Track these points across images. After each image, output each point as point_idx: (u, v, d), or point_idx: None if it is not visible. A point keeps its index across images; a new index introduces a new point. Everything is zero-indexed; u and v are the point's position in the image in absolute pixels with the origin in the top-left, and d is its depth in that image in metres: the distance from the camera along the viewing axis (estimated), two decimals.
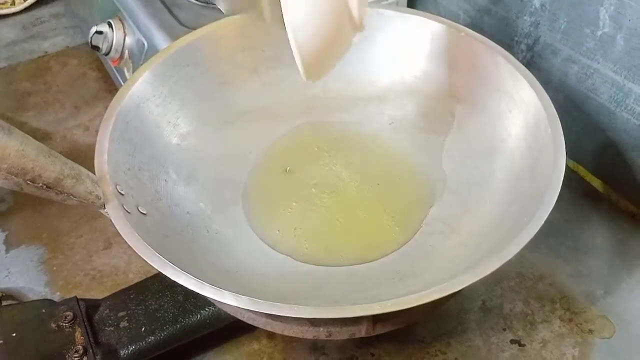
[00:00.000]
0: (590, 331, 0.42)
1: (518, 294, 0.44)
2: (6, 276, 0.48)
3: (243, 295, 0.30)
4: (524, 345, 0.41)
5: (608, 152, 0.49)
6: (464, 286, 0.29)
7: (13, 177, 0.30)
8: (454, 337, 0.42)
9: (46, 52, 0.71)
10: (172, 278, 0.30)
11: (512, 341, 0.41)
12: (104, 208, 0.34)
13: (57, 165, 0.31)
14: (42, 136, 0.60)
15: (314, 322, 0.33)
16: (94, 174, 0.35)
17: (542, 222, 0.31)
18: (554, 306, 0.43)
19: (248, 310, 0.32)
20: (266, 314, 0.33)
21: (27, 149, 0.30)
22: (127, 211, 0.34)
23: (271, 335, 0.42)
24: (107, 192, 0.34)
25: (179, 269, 0.30)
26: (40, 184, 0.31)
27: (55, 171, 0.31)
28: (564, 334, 0.41)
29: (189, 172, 0.42)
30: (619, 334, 0.41)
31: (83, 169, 0.33)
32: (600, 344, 0.41)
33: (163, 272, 0.31)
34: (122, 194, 0.35)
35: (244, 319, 0.36)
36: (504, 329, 0.42)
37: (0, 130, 0.29)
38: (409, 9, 0.52)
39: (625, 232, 0.48)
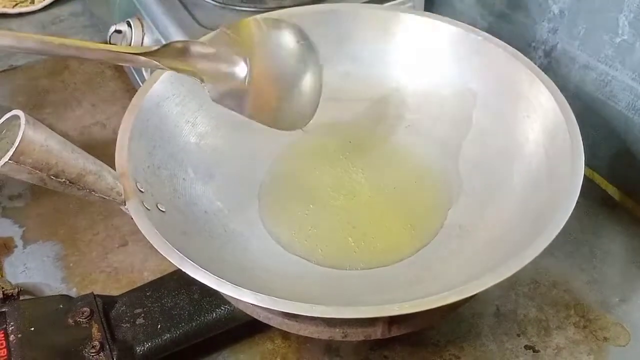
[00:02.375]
0: (605, 339, 0.41)
1: (532, 299, 0.44)
2: (23, 271, 0.48)
3: (262, 293, 0.30)
4: (538, 351, 0.41)
5: (625, 159, 0.49)
6: (482, 289, 0.29)
7: (37, 171, 0.30)
8: (467, 341, 0.42)
9: None
10: (191, 275, 0.31)
11: (527, 347, 0.41)
12: (125, 204, 0.34)
13: (80, 161, 0.32)
14: (59, 134, 0.60)
15: (330, 323, 0.33)
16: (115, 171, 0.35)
17: (561, 227, 0.31)
18: (568, 313, 0.43)
19: (266, 308, 0.33)
20: (283, 313, 0.34)
21: (51, 143, 0.30)
22: (147, 208, 0.35)
23: (285, 336, 0.42)
24: (127, 188, 0.34)
25: (198, 266, 0.31)
26: (64, 179, 0.31)
27: (78, 167, 0.32)
28: (578, 341, 0.41)
29: (206, 171, 0.43)
30: (634, 342, 0.41)
31: (105, 165, 0.34)
32: (615, 351, 0.41)
33: (182, 269, 0.31)
34: (142, 191, 0.36)
35: (260, 318, 0.36)
36: (518, 335, 0.42)
37: (27, 125, 0.29)
38: (426, 12, 0.52)
39: None
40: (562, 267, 0.46)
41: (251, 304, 0.30)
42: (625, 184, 0.50)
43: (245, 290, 0.30)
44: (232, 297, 0.31)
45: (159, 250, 0.32)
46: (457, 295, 0.29)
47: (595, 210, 0.50)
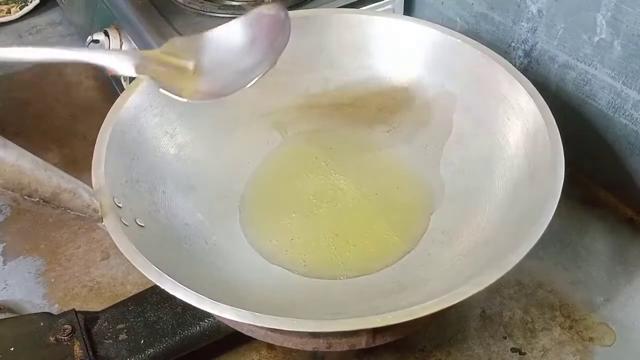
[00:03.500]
0: (591, 339, 0.41)
1: (518, 301, 0.44)
2: (4, 288, 0.47)
3: (243, 309, 0.29)
4: (524, 353, 0.41)
5: (606, 158, 0.49)
6: (464, 298, 0.29)
7: (9, 192, 0.29)
8: (454, 345, 0.41)
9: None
10: (171, 292, 0.30)
11: (513, 350, 0.41)
12: (102, 221, 0.34)
13: (53, 180, 0.31)
14: (39, 145, 0.59)
15: (314, 334, 0.33)
16: (91, 187, 0.35)
17: (542, 232, 0.31)
18: (554, 314, 0.43)
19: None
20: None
21: (23, 163, 0.30)
22: (124, 224, 0.34)
23: (271, 346, 0.42)
24: (104, 205, 0.34)
25: (177, 283, 0.30)
26: (37, 199, 0.31)
27: (51, 185, 0.31)
28: (564, 342, 0.41)
29: (186, 183, 0.42)
30: (619, 341, 0.41)
31: (80, 182, 0.33)
32: (601, 351, 0.41)
33: (161, 287, 0.30)
34: (120, 207, 0.35)
35: (244, 331, 0.36)
36: (504, 337, 0.42)
37: None
38: (405, 16, 0.52)
39: (624, 237, 0.48)
40: (546, 267, 0.46)
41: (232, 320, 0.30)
42: (608, 182, 0.51)
43: (226, 306, 0.29)
44: (214, 313, 0.30)
45: (137, 267, 0.31)
46: (440, 305, 0.29)
47: (578, 209, 0.50)
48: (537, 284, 0.45)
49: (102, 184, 0.35)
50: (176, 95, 0.36)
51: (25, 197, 0.30)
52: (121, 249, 0.32)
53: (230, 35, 0.38)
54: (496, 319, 0.43)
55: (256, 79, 0.37)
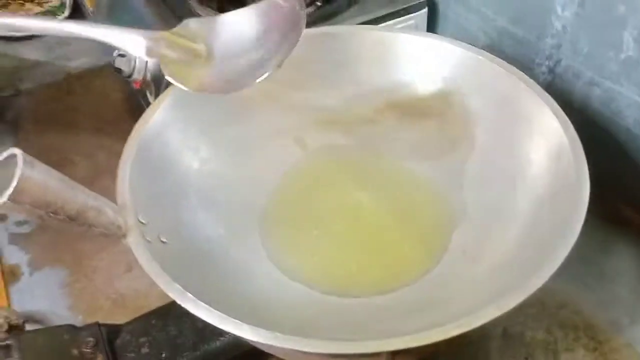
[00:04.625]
0: None
1: (540, 321, 0.43)
2: (30, 299, 0.48)
3: (262, 327, 0.30)
4: None
5: (632, 176, 0.49)
6: (486, 321, 0.29)
7: (36, 210, 0.30)
8: None
9: (70, 73, 0.73)
10: (192, 311, 0.30)
11: None
12: (125, 238, 0.34)
13: (79, 197, 0.32)
14: (65, 157, 0.60)
15: (334, 355, 0.33)
16: (116, 203, 0.35)
17: (565, 254, 0.31)
18: (577, 334, 0.42)
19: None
20: None
21: (50, 181, 0.30)
22: (147, 240, 0.34)
23: None
24: (128, 222, 0.34)
25: (199, 302, 0.31)
26: (63, 216, 0.31)
27: (77, 203, 0.32)
28: None
29: (209, 198, 0.43)
30: None
31: (105, 200, 0.34)
32: None
33: (184, 305, 0.31)
34: (143, 223, 0.36)
35: (263, 349, 0.36)
36: (526, 358, 0.41)
37: (24, 164, 0.29)
38: (428, 33, 0.52)
39: None
40: (570, 287, 0.45)
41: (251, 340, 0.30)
42: (634, 201, 0.50)
43: (246, 325, 0.29)
44: (234, 333, 0.30)
45: (159, 285, 0.31)
46: (461, 328, 0.29)
47: (603, 228, 0.49)
48: (560, 304, 0.44)
49: (127, 200, 0.36)
50: (183, 84, 0.37)
51: (51, 214, 0.31)
52: (144, 267, 0.32)
53: (243, 22, 0.38)
54: (518, 339, 0.42)
55: (265, 74, 0.37)
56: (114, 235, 0.34)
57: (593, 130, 0.50)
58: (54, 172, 0.31)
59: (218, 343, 0.40)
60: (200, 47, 0.38)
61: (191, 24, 0.39)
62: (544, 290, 0.44)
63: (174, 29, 0.39)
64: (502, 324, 0.43)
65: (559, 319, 0.43)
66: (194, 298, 0.31)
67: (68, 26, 0.36)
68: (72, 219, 0.32)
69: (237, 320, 0.30)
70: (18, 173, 0.29)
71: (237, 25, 0.39)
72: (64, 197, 0.31)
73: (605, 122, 0.49)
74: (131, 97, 0.66)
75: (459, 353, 0.42)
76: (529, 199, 0.38)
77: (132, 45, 0.36)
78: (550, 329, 0.43)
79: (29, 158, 0.30)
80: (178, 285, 0.31)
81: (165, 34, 0.38)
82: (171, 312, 0.41)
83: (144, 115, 0.41)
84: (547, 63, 0.52)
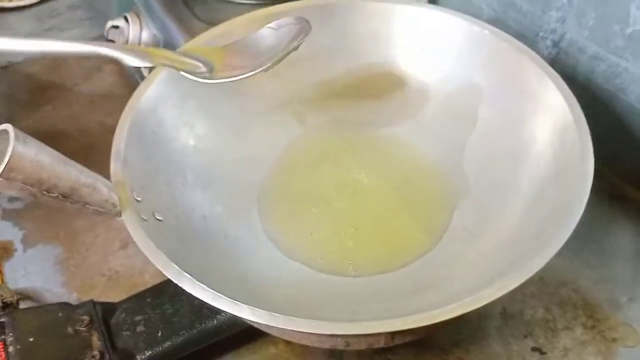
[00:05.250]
0: (614, 339, 0.41)
1: (540, 299, 0.43)
2: (24, 276, 0.47)
3: (260, 308, 0.29)
4: (545, 353, 0.40)
5: (634, 153, 0.48)
6: (487, 302, 0.28)
7: (28, 187, 0.29)
8: (473, 344, 0.41)
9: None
10: (189, 290, 0.30)
11: (533, 349, 0.40)
12: (120, 216, 0.33)
13: (73, 174, 0.31)
14: (58, 131, 0.59)
15: (333, 334, 0.33)
16: (110, 180, 0.35)
17: (568, 235, 0.30)
18: (576, 313, 0.42)
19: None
20: None
21: (42, 158, 0.30)
22: (143, 219, 0.34)
23: (288, 340, 0.42)
24: (123, 199, 0.34)
25: (195, 281, 0.30)
26: (56, 194, 0.30)
27: (70, 180, 0.31)
28: (586, 342, 0.40)
29: (205, 175, 0.42)
30: None
31: (99, 177, 0.33)
32: (623, 352, 0.40)
33: (180, 285, 0.30)
34: (139, 201, 0.35)
35: (260, 328, 0.35)
36: (525, 336, 0.41)
37: (16, 140, 0.28)
38: (430, 4, 0.50)
39: None
40: (570, 264, 0.45)
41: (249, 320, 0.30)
42: (635, 178, 0.49)
43: (243, 305, 0.29)
44: (232, 312, 0.30)
45: (155, 264, 0.31)
46: (463, 309, 0.29)
47: (604, 205, 0.48)
48: (560, 282, 0.44)
49: (121, 177, 0.35)
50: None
51: (44, 192, 0.30)
52: (139, 245, 0.32)
53: (254, 41, 0.39)
54: (517, 317, 0.42)
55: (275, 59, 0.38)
56: (108, 213, 0.33)
57: (596, 105, 0.49)
58: (47, 149, 0.30)
59: (215, 322, 0.39)
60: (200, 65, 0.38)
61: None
62: (543, 267, 0.44)
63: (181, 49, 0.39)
64: (501, 302, 0.43)
65: (558, 297, 0.43)
66: (191, 278, 0.30)
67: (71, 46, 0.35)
68: (65, 196, 0.31)
69: (235, 301, 0.29)
70: (10, 149, 0.28)
71: (246, 44, 0.40)
72: (57, 174, 0.30)
73: (609, 97, 0.48)
74: (125, 70, 0.65)
75: (457, 332, 0.41)
76: (532, 177, 0.38)
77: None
78: (549, 307, 0.42)
79: (21, 134, 0.29)
80: (175, 265, 0.31)
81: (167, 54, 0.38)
82: (167, 290, 0.41)
83: (138, 90, 0.40)
84: (551, 37, 0.51)
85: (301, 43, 0.39)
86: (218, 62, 0.38)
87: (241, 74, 0.38)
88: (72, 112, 0.62)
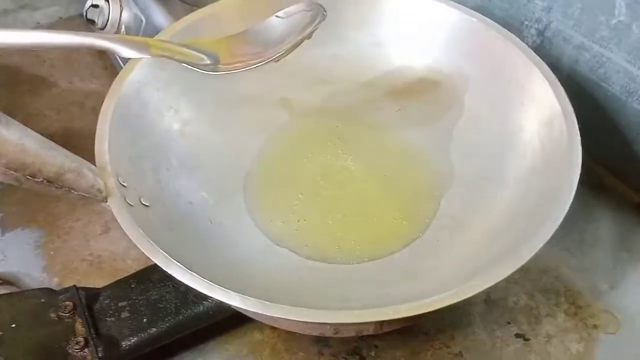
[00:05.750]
0: (595, 326, 0.41)
1: (523, 287, 0.43)
2: (2, 260, 0.47)
3: (249, 296, 0.29)
4: (528, 339, 0.41)
5: (616, 143, 0.49)
6: (476, 292, 0.29)
7: (12, 172, 0.28)
8: (458, 330, 0.41)
9: (38, 23, 0.69)
10: (178, 278, 0.30)
11: (517, 335, 0.41)
12: (106, 201, 0.33)
13: (57, 159, 0.30)
14: (36, 113, 0.58)
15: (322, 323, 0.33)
16: (94, 164, 0.34)
17: (556, 226, 0.31)
18: (558, 300, 0.43)
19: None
20: None
21: (26, 142, 0.29)
22: (129, 204, 0.33)
23: (275, 326, 0.42)
24: (108, 184, 0.33)
25: (185, 269, 0.30)
26: (41, 179, 0.30)
27: (55, 165, 0.30)
28: (568, 329, 0.41)
29: (191, 160, 0.41)
30: (623, 329, 0.41)
31: (84, 162, 0.32)
32: (605, 339, 0.41)
33: (169, 272, 0.30)
34: (124, 186, 0.34)
35: (248, 314, 0.35)
36: (509, 323, 0.42)
37: None
38: None
39: (631, 224, 0.47)
40: (552, 252, 0.45)
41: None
42: (617, 167, 0.50)
43: (234, 293, 0.29)
44: (221, 300, 0.29)
45: (144, 251, 0.30)
46: (451, 298, 0.29)
47: (585, 194, 0.48)
48: (542, 269, 0.44)
49: (106, 161, 0.34)
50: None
51: (29, 177, 0.29)
52: (127, 232, 0.31)
53: (262, 30, 0.37)
54: (501, 304, 0.43)
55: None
56: (94, 199, 0.33)
57: (580, 95, 0.49)
58: (32, 133, 0.30)
59: (201, 307, 0.39)
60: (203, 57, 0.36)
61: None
62: None
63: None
64: (485, 289, 0.43)
65: (541, 284, 0.43)
66: (181, 265, 0.30)
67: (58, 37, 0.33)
68: (50, 181, 0.30)
69: (225, 288, 0.29)
70: None
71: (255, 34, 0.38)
72: (41, 159, 0.29)
73: (593, 87, 0.49)
74: (103, 51, 0.64)
75: (442, 318, 0.42)
76: (519, 167, 0.38)
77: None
78: (532, 294, 0.43)
79: (4, 117, 0.28)
80: (163, 253, 0.30)
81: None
82: (152, 275, 0.40)
83: (122, 73, 0.39)
84: (536, 26, 0.51)
85: (315, 30, 0.37)
86: (223, 53, 0.36)
87: (249, 65, 0.36)
88: (50, 93, 0.60)
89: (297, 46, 0.37)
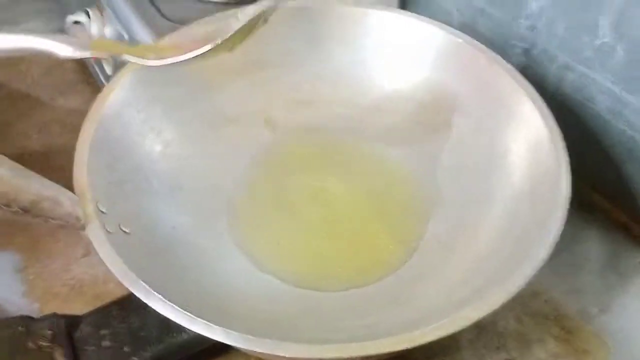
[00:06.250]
0: (585, 351, 0.41)
1: (512, 310, 0.43)
2: None
3: (232, 329, 0.28)
4: None
5: (602, 163, 0.48)
6: (467, 324, 0.28)
7: None
8: (447, 355, 0.41)
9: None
10: (159, 311, 0.29)
11: None
12: (84, 230, 0.32)
13: (33, 187, 0.29)
14: (16, 132, 0.57)
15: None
16: (72, 191, 0.33)
17: (547, 253, 0.30)
18: (548, 324, 0.42)
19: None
20: None
21: (1, 171, 0.28)
22: (108, 231, 0.32)
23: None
24: (87, 211, 0.32)
25: (167, 301, 0.29)
26: (16, 208, 0.29)
27: (31, 194, 0.29)
28: (558, 354, 0.41)
29: (173, 182, 0.40)
30: (613, 354, 0.41)
31: (62, 189, 0.31)
32: None
33: (149, 304, 0.29)
34: (104, 212, 0.33)
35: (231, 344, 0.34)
36: (498, 348, 0.41)
37: None
38: (402, 10, 0.49)
39: (618, 244, 0.47)
40: (541, 274, 0.44)
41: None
42: (604, 187, 0.50)
43: (217, 327, 0.28)
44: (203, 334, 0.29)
45: (122, 282, 0.30)
46: (441, 331, 0.28)
47: (572, 214, 0.48)
48: (532, 293, 0.44)
49: (85, 188, 0.33)
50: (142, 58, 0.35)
51: (3, 206, 0.28)
52: (105, 261, 0.31)
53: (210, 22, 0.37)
54: (490, 329, 0.42)
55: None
56: (72, 227, 0.32)
57: (565, 114, 0.49)
58: (6, 160, 0.29)
59: (184, 335, 0.38)
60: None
61: None
62: None
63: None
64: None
65: (531, 308, 0.43)
66: (160, 297, 0.29)
67: None
68: (26, 210, 0.29)
69: (207, 322, 0.28)
70: None
71: None
72: (16, 188, 0.29)
73: (577, 107, 0.49)
74: (85, 66, 0.63)
75: (431, 345, 0.41)
76: (506, 189, 0.38)
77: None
78: (521, 318, 0.42)
79: None
80: (142, 283, 0.29)
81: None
82: (134, 302, 0.38)
83: (102, 94, 0.38)
84: (521, 45, 0.51)
85: (270, 15, 0.36)
86: (168, 44, 0.36)
87: (196, 52, 0.35)
88: (31, 109, 0.59)
89: (249, 32, 0.36)
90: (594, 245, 0.47)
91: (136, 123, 0.40)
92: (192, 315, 0.28)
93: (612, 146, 0.47)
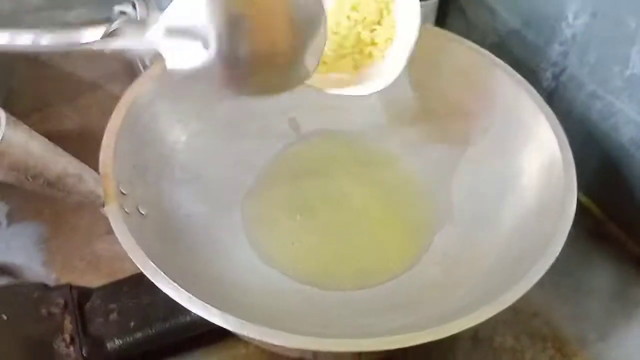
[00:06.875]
0: None
1: (511, 327, 0.43)
2: (5, 250, 0.48)
3: (232, 314, 0.29)
4: None
5: (622, 193, 0.48)
6: (455, 332, 0.29)
7: (14, 172, 0.29)
8: None
9: (69, 23, 0.71)
10: (162, 289, 0.30)
11: None
12: (103, 207, 0.34)
13: (60, 163, 0.31)
14: (57, 112, 0.59)
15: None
16: (97, 171, 0.35)
17: (542, 273, 0.31)
18: (545, 345, 0.42)
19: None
20: None
21: (31, 144, 0.30)
22: (126, 212, 0.34)
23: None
24: (108, 191, 0.34)
25: (170, 280, 0.30)
26: (42, 181, 0.31)
27: (58, 169, 0.31)
28: None
29: (194, 173, 0.42)
30: None
31: (86, 167, 0.33)
32: None
33: (153, 281, 0.31)
34: (124, 194, 0.35)
35: (233, 331, 0.36)
36: None
37: (7, 126, 0.28)
38: (435, 27, 0.50)
39: (629, 275, 0.47)
40: (545, 296, 0.45)
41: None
42: (620, 217, 0.50)
43: (214, 310, 0.29)
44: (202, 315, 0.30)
45: (132, 258, 0.31)
46: (434, 335, 0.29)
47: (585, 241, 0.49)
48: (533, 313, 0.44)
49: (109, 170, 0.35)
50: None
51: (30, 178, 0.30)
52: (119, 239, 0.32)
53: None
54: (486, 343, 0.42)
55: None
56: (92, 204, 0.33)
57: (589, 142, 0.49)
58: (38, 136, 0.31)
59: (188, 318, 0.39)
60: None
61: None
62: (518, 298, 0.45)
63: None
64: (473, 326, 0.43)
65: (529, 327, 0.43)
66: (166, 277, 0.31)
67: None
68: (50, 184, 0.31)
69: (207, 305, 0.30)
70: (0, 135, 0.28)
71: None
72: (45, 162, 0.30)
73: (602, 136, 0.49)
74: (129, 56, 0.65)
75: (426, 353, 0.42)
76: (515, 210, 0.38)
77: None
78: (519, 336, 0.43)
79: (13, 119, 0.29)
80: (152, 263, 0.31)
81: None
82: (145, 281, 0.40)
83: (135, 83, 0.40)
84: (552, 69, 0.51)
85: None
86: None
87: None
88: (72, 93, 0.61)
89: None
90: (604, 274, 0.47)
91: (165, 112, 0.42)
92: (192, 296, 0.30)
93: (632, 178, 0.47)
